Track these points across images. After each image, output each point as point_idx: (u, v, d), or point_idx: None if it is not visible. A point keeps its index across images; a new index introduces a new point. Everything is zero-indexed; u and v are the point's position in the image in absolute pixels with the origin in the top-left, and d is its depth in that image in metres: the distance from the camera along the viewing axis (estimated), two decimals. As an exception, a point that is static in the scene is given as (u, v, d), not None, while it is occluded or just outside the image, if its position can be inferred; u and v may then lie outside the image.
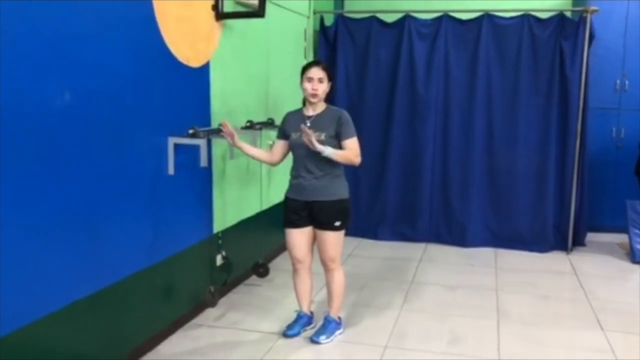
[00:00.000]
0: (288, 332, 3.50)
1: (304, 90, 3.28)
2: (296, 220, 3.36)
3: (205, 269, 3.79)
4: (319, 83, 3.23)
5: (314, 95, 3.23)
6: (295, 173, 3.36)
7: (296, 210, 3.35)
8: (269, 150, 3.65)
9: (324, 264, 3.42)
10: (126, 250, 2.95)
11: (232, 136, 3.31)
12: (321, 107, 3.31)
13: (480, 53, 5.32)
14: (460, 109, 5.43)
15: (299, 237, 3.39)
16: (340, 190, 3.31)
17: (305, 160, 3.28)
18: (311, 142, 3.11)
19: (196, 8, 3.47)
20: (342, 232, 3.37)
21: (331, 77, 3.32)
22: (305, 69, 3.30)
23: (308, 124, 3.25)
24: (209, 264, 3.82)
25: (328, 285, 3.49)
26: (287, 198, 3.42)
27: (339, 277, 3.44)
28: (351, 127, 3.26)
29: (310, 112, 3.31)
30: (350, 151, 3.25)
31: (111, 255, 2.84)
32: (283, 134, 3.41)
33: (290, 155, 3.43)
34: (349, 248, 5.38)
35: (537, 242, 5.40)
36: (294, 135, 3.31)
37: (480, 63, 5.33)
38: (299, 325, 3.54)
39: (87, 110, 2.60)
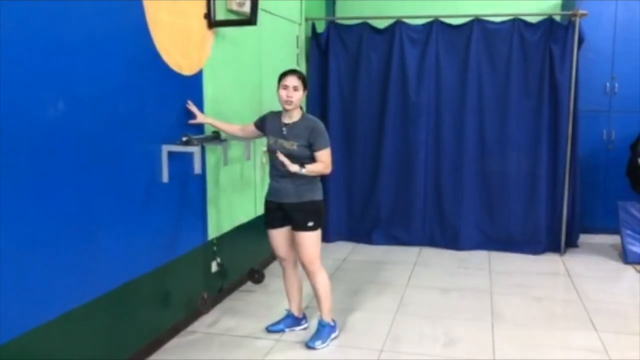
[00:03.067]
0: (270, 327, 3.63)
1: (279, 97, 3.33)
2: (273, 221, 3.48)
3: (201, 275, 3.80)
4: (293, 91, 3.27)
5: (288, 102, 3.29)
6: (271, 176, 3.47)
7: (272, 212, 3.47)
8: (244, 135, 3.72)
9: (304, 267, 3.46)
10: (121, 258, 2.96)
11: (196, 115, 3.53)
12: (297, 114, 3.35)
13: (471, 57, 5.36)
14: (451, 113, 5.46)
15: (278, 237, 3.50)
16: (309, 193, 3.36)
17: (278, 164, 3.36)
18: (287, 167, 3.23)
19: (188, 16, 3.49)
20: (317, 233, 3.40)
21: (306, 87, 3.36)
22: (281, 76, 3.35)
23: (284, 131, 3.33)
24: (204, 271, 3.83)
25: (313, 289, 3.52)
26: (265, 200, 3.52)
27: (321, 279, 3.46)
28: (324, 138, 3.31)
29: (286, 119, 3.36)
30: (321, 164, 3.31)
31: (106, 263, 2.85)
32: (259, 124, 3.53)
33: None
34: (344, 253, 5.41)
35: (530, 244, 5.43)
36: (270, 140, 3.41)
37: (471, 67, 5.37)
38: (284, 323, 3.65)
39: (80, 119, 2.62)
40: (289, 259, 3.57)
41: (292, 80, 3.28)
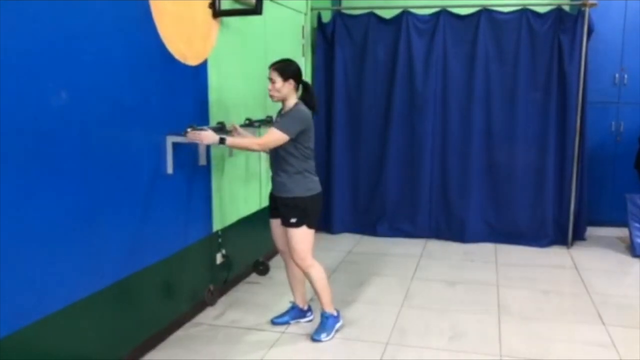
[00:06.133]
0: (274, 319, 3.63)
1: None
2: (273, 212, 3.50)
3: (205, 267, 3.79)
4: (271, 84, 3.26)
5: (270, 96, 3.31)
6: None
7: (271, 203, 3.50)
8: None
9: (295, 263, 3.44)
10: (125, 250, 2.95)
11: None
12: (290, 105, 3.30)
13: (478, 48, 5.31)
14: (458, 105, 5.42)
15: (276, 228, 3.53)
16: (297, 188, 3.29)
17: (270, 156, 3.39)
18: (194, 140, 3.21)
19: (193, 6, 3.45)
20: (303, 230, 3.32)
21: (288, 76, 3.24)
22: None
23: (277, 122, 3.34)
24: (209, 263, 3.82)
25: (310, 285, 3.48)
26: (270, 191, 3.54)
27: (315, 274, 3.41)
28: (286, 120, 3.21)
29: (283, 111, 3.37)
30: (255, 139, 3.38)
31: (111, 255, 2.83)
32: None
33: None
34: (349, 244, 5.39)
35: (537, 236, 5.40)
36: None
37: (479, 58, 5.32)
38: (289, 315, 3.66)
39: (84, 110, 2.60)
40: (287, 251, 3.52)
41: (269, 73, 3.28)
